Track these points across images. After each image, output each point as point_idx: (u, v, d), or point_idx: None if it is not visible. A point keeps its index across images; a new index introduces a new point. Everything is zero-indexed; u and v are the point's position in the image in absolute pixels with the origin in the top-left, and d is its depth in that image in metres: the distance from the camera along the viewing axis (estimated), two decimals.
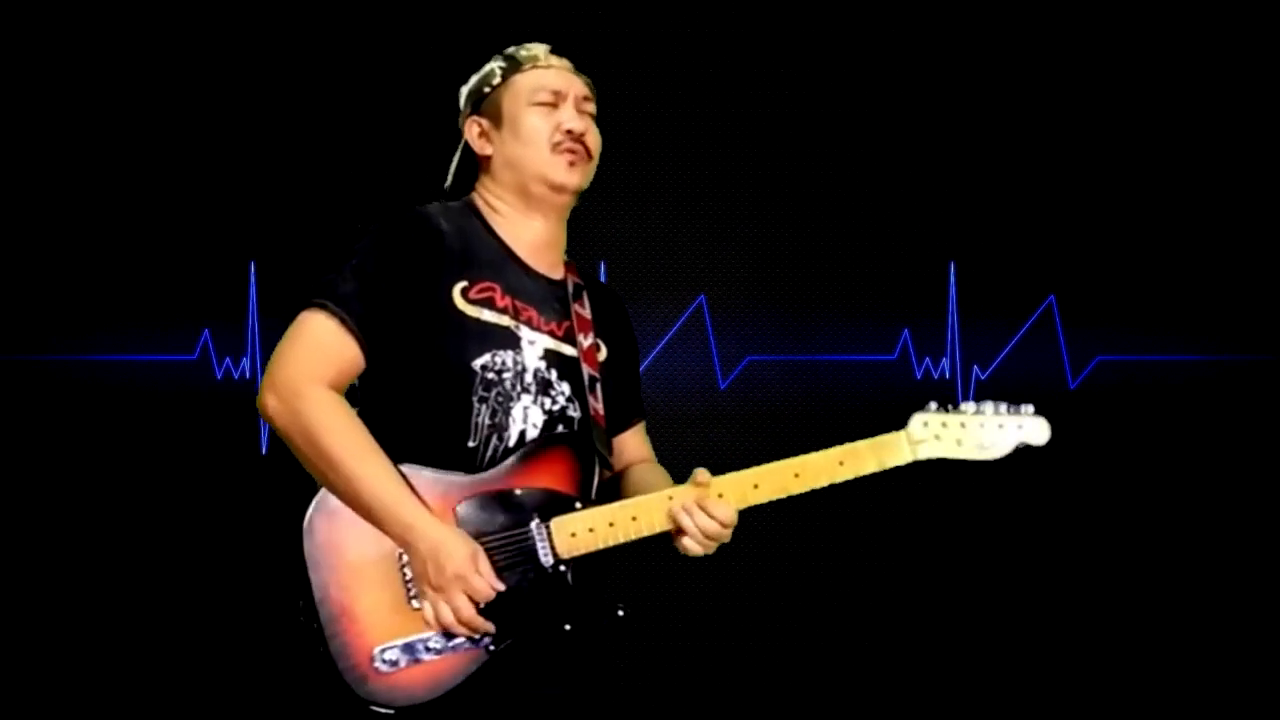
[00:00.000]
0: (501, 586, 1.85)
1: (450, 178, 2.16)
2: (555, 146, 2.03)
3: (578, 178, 2.05)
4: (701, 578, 3.44)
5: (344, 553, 1.90)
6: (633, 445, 2.19)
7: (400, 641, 1.85)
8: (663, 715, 3.45)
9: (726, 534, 1.95)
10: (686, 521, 1.93)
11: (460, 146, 2.14)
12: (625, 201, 3.49)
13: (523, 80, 2.07)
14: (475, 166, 2.13)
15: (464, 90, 2.15)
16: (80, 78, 3.47)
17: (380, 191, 3.44)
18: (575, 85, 2.08)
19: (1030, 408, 2.02)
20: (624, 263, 3.49)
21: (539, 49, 2.11)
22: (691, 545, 1.94)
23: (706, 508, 1.93)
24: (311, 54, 3.50)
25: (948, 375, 3.46)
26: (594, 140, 2.08)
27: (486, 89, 2.10)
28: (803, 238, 3.54)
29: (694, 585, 3.44)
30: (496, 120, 2.08)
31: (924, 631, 3.52)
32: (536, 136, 2.04)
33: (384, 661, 1.84)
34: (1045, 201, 3.54)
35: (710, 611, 3.49)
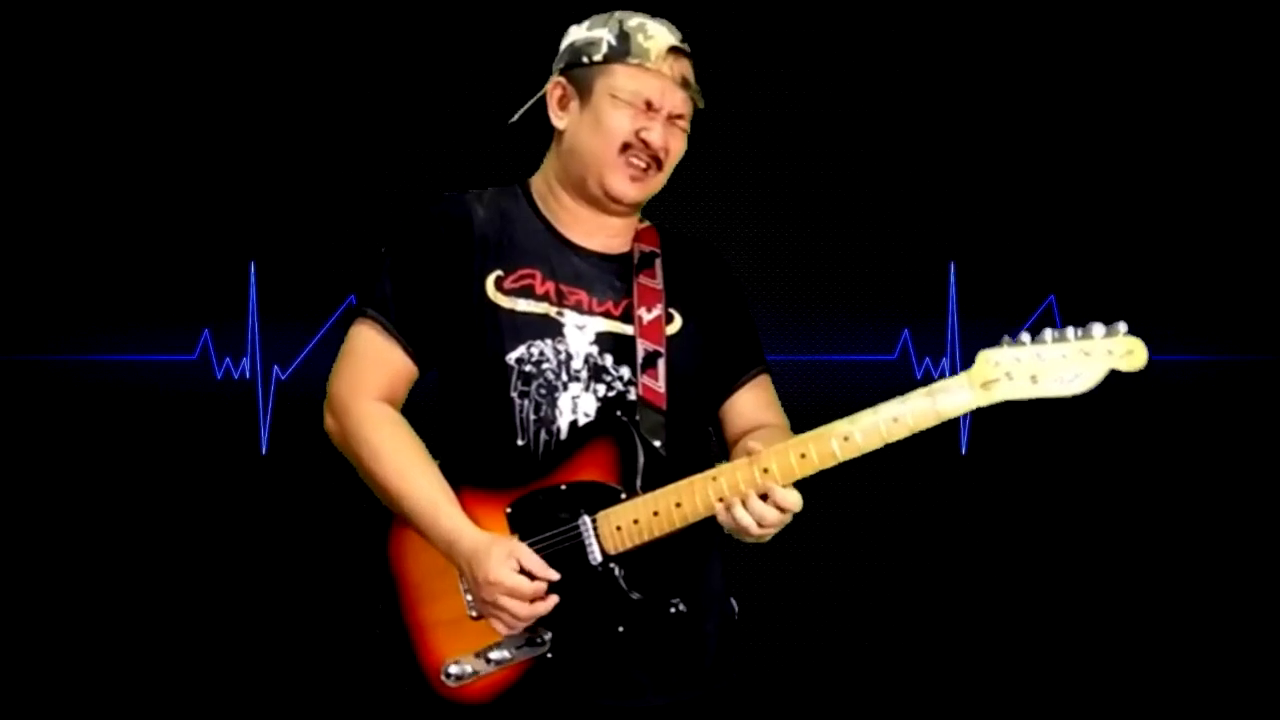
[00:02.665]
0: (554, 575, 1.77)
1: (519, 115, 1.98)
2: (625, 149, 1.88)
3: (637, 192, 1.91)
4: None
5: (409, 567, 1.87)
6: (749, 407, 1.99)
7: (465, 655, 1.82)
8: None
9: (784, 519, 1.77)
10: (722, 512, 1.76)
11: (541, 92, 1.96)
12: None
13: (622, 74, 1.88)
14: (549, 124, 1.96)
15: (568, 38, 1.96)
16: (80, 78, 3.47)
17: (381, 191, 3.44)
18: (674, 100, 1.89)
19: (1123, 326, 1.69)
20: None
21: (658, 44, 1.89)
22: (740, 534, 1.79)
23: (771, 494, 1.75)
24: (311, 53, 3.50)
25: (948, 374, 3.45)
26: (674, 154, 1.92)
27: (584, 59, 1.91)
28: (803, 238, 3.54)
29: None
30: (582, 97, 1.91)
31: (924, 632, 3.52)
32: (613, 133, 1.87)
33: (449, 675, 1.83)
34: (1045, 201, 3.53)
35: None
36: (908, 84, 3.55)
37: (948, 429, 3.48)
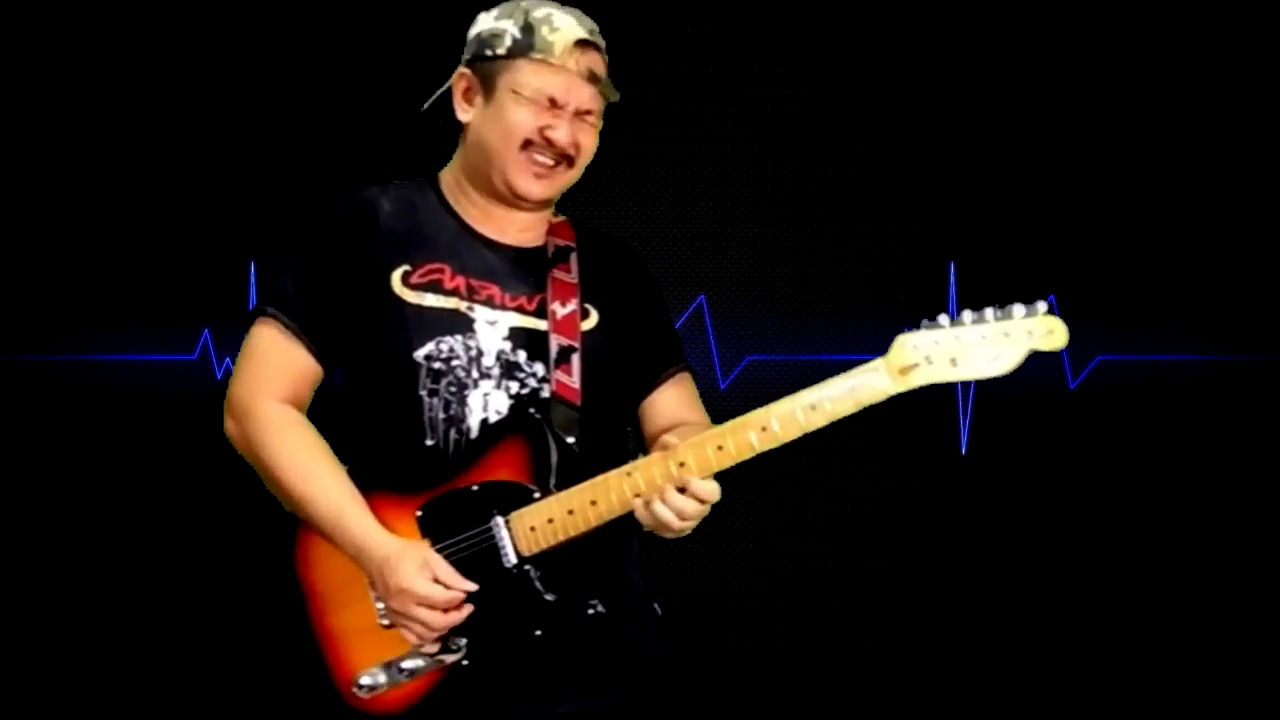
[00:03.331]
0: (470, 586, 1.72)
1: (428, 104, 1.96)
2: (526, 147, 1.83)
3: (543, 190, 1.86)
4: (698, 577, 3.44)
5: (317, 575, 1.81)
6: (669, 405, 1.94)
7: (377, 665, 1.76)
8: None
9: (703, 510, 1.72)
10: (640, 508, 1.70)
11: (448, 84, 1.93)
12: (625, 201, 3.49)
13: (525, 69, 1.83)
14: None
15: (475, 27, 1.90)
16: (80, 78, 3.47)
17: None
18: (580, 96, 1.84)
19: (1042, 305, 1.66)
20: None
21: (564, 38, 1.83)
22: (659, 529, 1.73)
23: (688, 486, 1.69)
24: (312, 53, 3.50)
25: None
26: (585, 150, 1.88)
27: (489, 51, 1.85)
28: (803, 238, 3.54)
29: (690, 585, 3.44)
30: (486, 91, 1.86)
31: (924, 632, 3.52)
32: (514, 130, 1.82)
33: (360, 686, 1.76)
34: (1045, 201, 3.53)
35: (709, 612, 3.49)
36: (907, 84, 3.55)
37: (948, 429, 3.49)
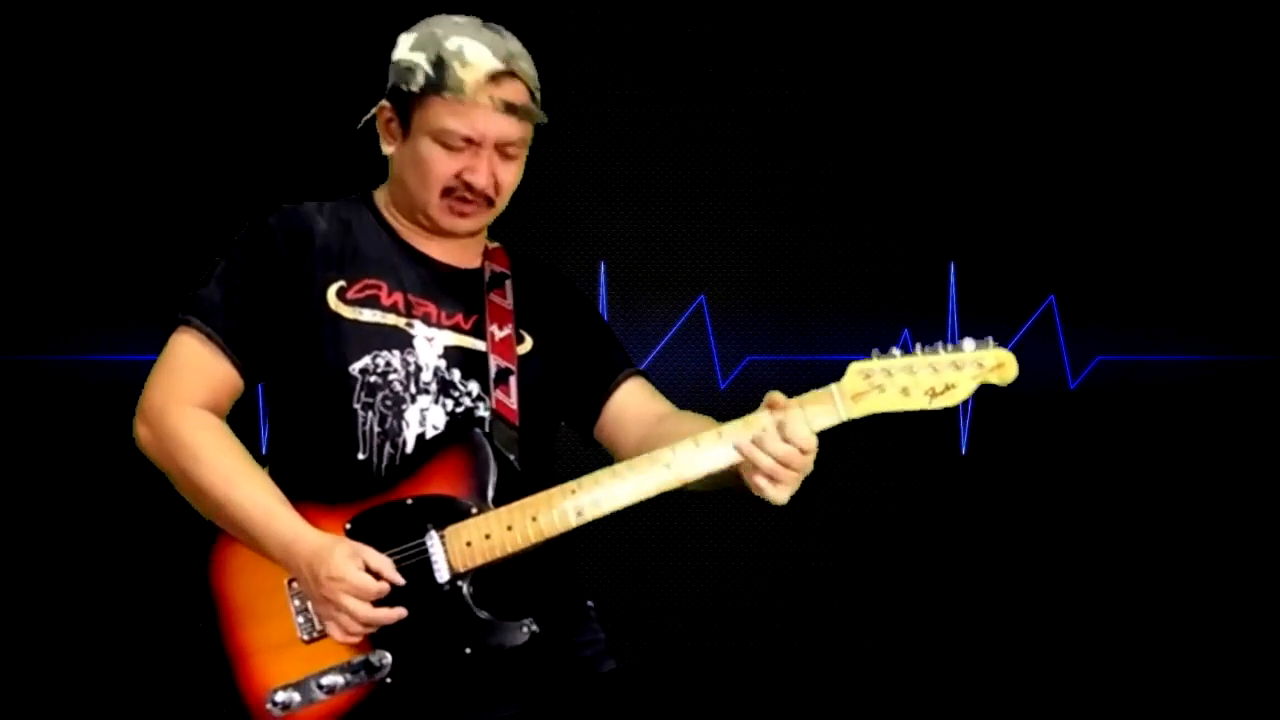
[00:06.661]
0: (400, 580, 1.68)
1: (362, 123, 1.93)
2: (446, 193, 1.82)
3: (468, 226, 1.85)
4: (697, 577, 3.44)
5: (233, 587, 1.76)
6: (634, 400, 1.93)
7: (292, 681, 1.70)
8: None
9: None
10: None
11: (372, 112, 1.91)
12: (625, 201, 3.49)
13: (438, 109, 1.79)
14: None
15: (395, 52, 1.86)
16: (79, 78, 3.47)
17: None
18: (497, 129, 1.79)
19: (990, 340, 1.68)
20: (624, 263, 3.49)
21: (475, 74, 1.78)
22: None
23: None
24: (315, 53, 3.50)
25: None
26: (505, 187, 1.84)
27: (403, 86, 1.82)
28: (803, 238, 3.54)
29: (690, 585, 3.44)
30: (404, 126, 1.84)
31: (924, 632, 3.52)
32: (431, 178, 1.81)
33: (275, 704, 1.70)
34: (1045, 201, 3.53)
35: (708, 612, 3.49)
36: (907, 84, 3.55)
37: (948, 429, 3.49)
